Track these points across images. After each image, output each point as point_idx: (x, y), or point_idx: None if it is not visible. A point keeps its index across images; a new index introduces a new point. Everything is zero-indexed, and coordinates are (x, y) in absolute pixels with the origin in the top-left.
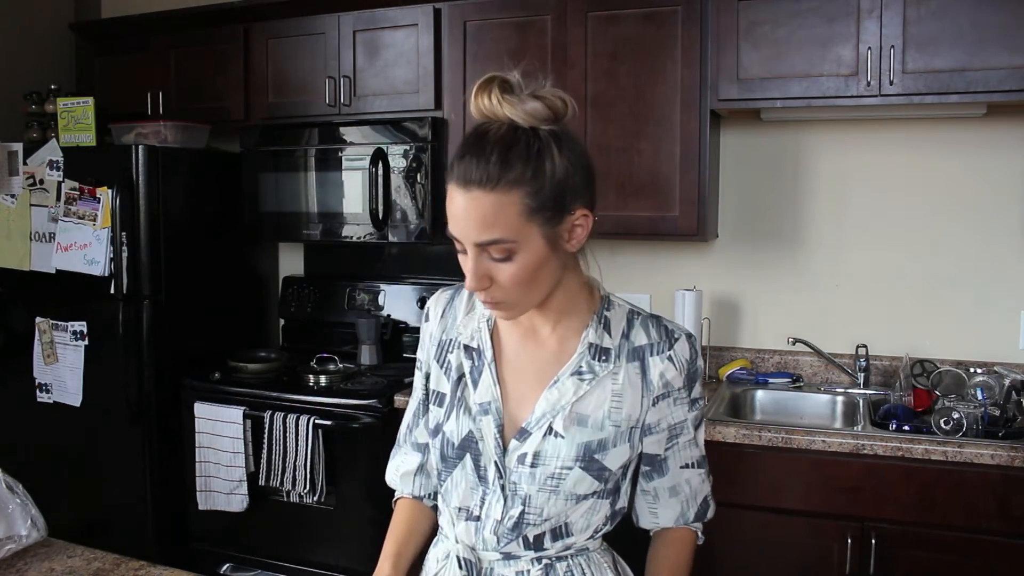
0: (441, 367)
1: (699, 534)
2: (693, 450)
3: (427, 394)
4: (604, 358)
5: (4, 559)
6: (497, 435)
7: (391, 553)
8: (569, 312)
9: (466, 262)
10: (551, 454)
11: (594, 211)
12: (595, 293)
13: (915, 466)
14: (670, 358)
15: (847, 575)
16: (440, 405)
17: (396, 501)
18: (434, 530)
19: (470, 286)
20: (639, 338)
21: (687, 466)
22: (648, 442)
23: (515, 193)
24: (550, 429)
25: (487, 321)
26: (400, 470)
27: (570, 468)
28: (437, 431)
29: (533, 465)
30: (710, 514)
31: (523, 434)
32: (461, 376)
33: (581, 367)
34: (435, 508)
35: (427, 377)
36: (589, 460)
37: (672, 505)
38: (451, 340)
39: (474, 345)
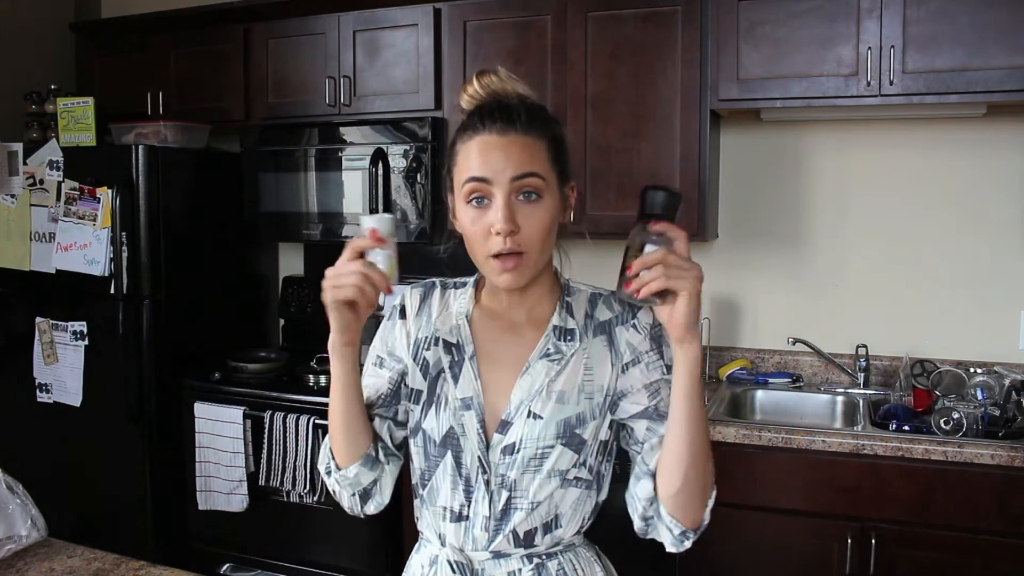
0: (417, 364)
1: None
2: None
3: (398, 388)
4: (569, 338)
5: (4, 559)
6: (479, 430)
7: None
8: (541, 299)
9: (482, 215)
10: (531, 436)
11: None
12: (558, 281)
13: (915, 466)
14: (634, 326)
15: (847, 575)
16: (416, 402)
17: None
18: (368, 435)
19: (502, 229)
20: (603, 314)
21: None
22: (627, 403)
23: (543, 140)
24: (530, 413)
25: (465, 317)
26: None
27: (552, 446)
28: (417, 430)
29: (516, 451)
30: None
31: (505, 426)
32: (440, 372)
33: (549, 349)
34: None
35: (401, 375)
36: (570, 436)
37: None
38: (426, 338)
39: (453, 340)
